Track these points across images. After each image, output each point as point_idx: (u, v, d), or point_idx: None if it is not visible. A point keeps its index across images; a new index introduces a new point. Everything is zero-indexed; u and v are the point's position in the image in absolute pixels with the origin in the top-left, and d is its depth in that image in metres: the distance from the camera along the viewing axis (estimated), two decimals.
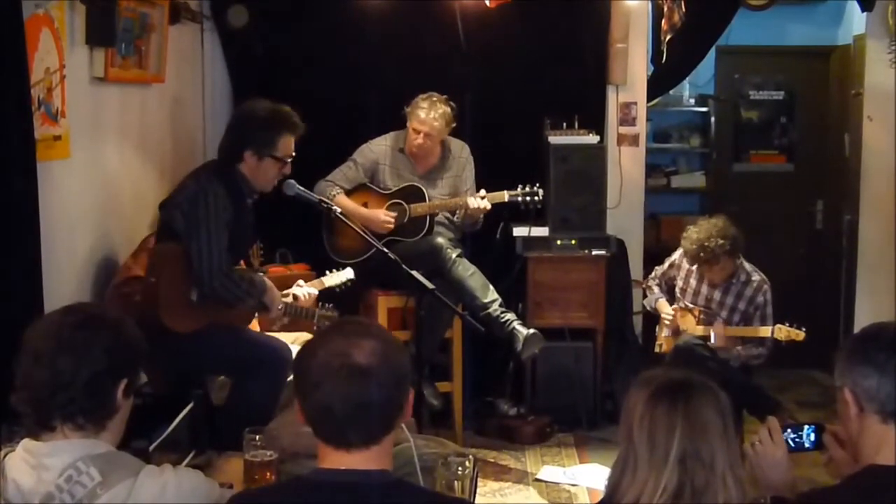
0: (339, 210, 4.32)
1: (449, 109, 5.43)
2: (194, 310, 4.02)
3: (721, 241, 5.05)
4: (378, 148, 5.59)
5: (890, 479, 2.17)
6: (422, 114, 5.38)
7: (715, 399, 2.04)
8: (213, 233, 3.96)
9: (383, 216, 5.43)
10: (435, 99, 5.41)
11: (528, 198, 5.43)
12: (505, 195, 5.43)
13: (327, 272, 4.77)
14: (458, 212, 5.51)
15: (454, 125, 5.51)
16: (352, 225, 4.34)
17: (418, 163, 5.57)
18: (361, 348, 2.02)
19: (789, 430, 2.50)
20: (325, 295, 4.67)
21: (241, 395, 4.05)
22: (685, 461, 1.97)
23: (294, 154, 4.20)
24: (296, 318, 4.42)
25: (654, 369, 2.18)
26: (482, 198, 5.37)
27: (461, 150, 5.66)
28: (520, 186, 5.44)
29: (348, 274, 4.74)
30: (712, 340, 5.12)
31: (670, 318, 5.33)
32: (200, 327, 4.03)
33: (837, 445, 2.47)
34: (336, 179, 5.50)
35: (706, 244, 5.05)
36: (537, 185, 5.46)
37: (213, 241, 3.95)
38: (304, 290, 4.44)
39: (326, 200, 4.37)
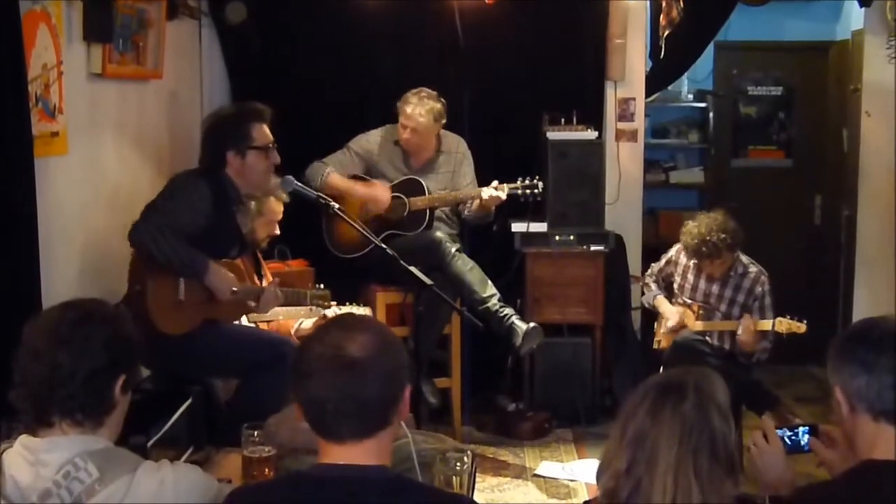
0: (336, 206, 4.31)
1: (439, 105, 5.41)
2: (185, 309, 4.01)
3: (722, 236, 5.05)
4: (373, 139, 5.59)
5: (885, 474, 2.17)
6: (409, 109, 5.38)
7: (690, 406, 1.98)
8: (175, 202, 3.96)
9: (381, 190, 5.42)
10: (424, 95, 5.40)
11: (527, 191, 5.42)
12: (505, 188, 5.40)
13: (347, 304, 4.77)
14: (468, 204, 5.49)
15: (444, 121, 5.49)
16: (350, 221, 4.34)
17: (413, 156, 5.56)
18: (355, 341, 2.02)
19: (785, 430, 2.51)
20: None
21: (250, 393, 4.05)
22: (633, 446, 1.97)
23: (274, 140, 4.19)
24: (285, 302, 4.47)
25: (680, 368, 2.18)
26: (496, 188, 5.35)
27: (457, 146, 5.64)
28: (519, 179, 5.43)
29: (368, 311, 4.77)
30: (739, 334, 5.09)
31: (674, 321, 5.30)
32: (194, 327, 4.02)
33: (824, 449, 2.47)
34: (327, 161, 5.52)
35: (707, 239, 5.05)
36: (536, 177, 5.45)
37: (168, 206, 3.95)
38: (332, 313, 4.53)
39: (324, 197, 4.37)
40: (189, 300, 4.02)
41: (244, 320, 4.47)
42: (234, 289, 4.12)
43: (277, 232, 4.86)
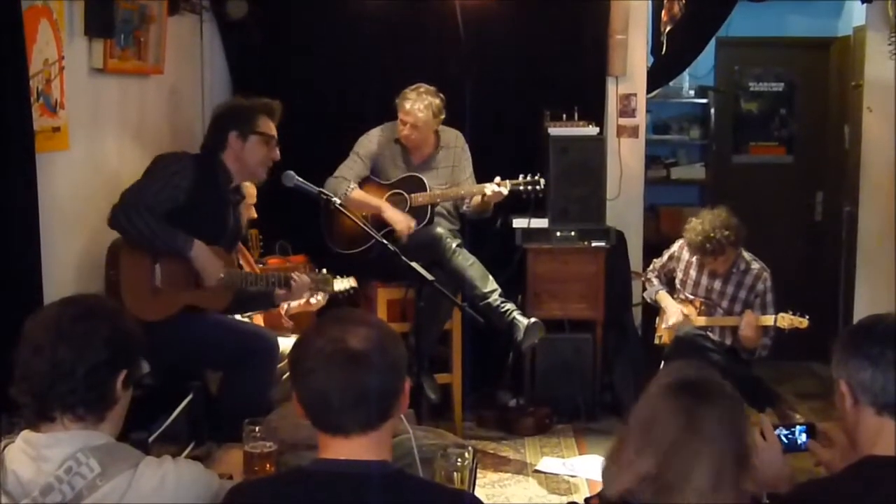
0: (338, 201, 4.31)
1: (437, 101, 5.39)
2: (161, 296, 3.99)
3: (726, 233, 5.06)
4: (374, 139, 5.58)
5: (886, 470, 2.17)
6: (407, 105, 5.36)
7: (729, 409, 2.00)
8: (152, 179, 3.95)
9: (405, 220, 5.33)
10: (422, 90, 5.39)
11: (529, 187, 5.40)
12: (507, 184, 5.38)
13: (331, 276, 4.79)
14: (468, 200, 5.47)
15: (443, 116, 5.46)
16: (351, 217, 4.33)
17: (413, 153, 5.55)
18: (356, 334, 2.03)
19: (782, 429, 2.51)
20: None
21: (232, 386, 4.04)
22: (667, 450, 1.95)
23: (275, 136, 4.21)
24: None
25: (681, 362, 2.17)
26: (498, 184, 5.33)
27: (455, 140, 5.63)
28: (521, 176, 5.41)
29: (351, 282, 4.76)
30: (741, 329, 5.09)
31: (676, 316, 5.30)
32: (172, 314, 3.99)
33: (823, 449, 2.47)
34: (346, 175, 5.46)
35: (711, 235, 5.06)
36: (538, 174, 5.44)
37: (145, 183, 3.94)
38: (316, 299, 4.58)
39: (325, 192, 4.36)
40: (166, 286, 4.00)
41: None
42: (222, 275, 4.08)
43: (255, 215, 4.85)
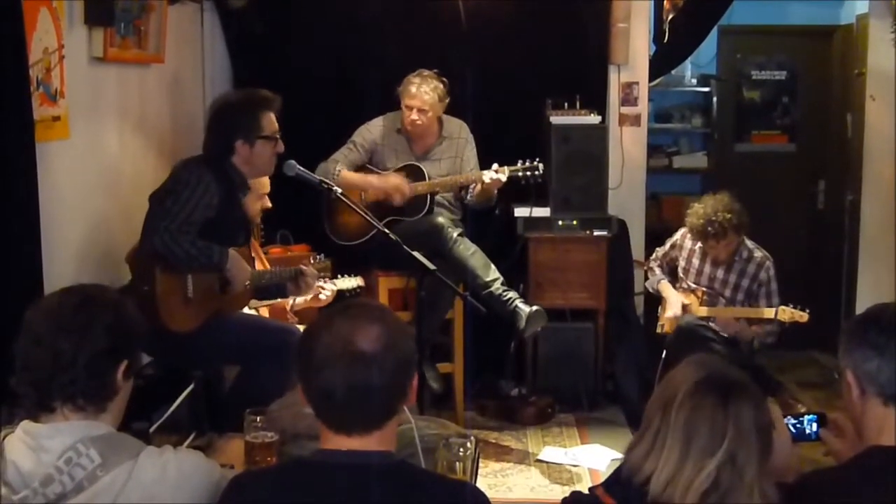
0: (339, 191, 4.29)
1: (441, 84, 5.39)
2: (193, 305, 4.01)
3: (728, 216, 5.06)
4: (375, 129, 5.56)
5: (892, 460, 2.17)
6: (413, 88, 5.35)
7: (761, 407, 2.04)
8: (182, 201, 3.90)
9: (398, 179, 5.38)
10: (426, 74, 5.39)
11: (528, 173, 5.39)
12: (506, 170, 5.37)
13: (339, 276, 4.78)
14: (471, 189, 5.46)
15: (447, 101, 5.46)
16: (352, 206, 4.32)
17: (416, 142, 5.53)
18: (366, 334, 2.00)
19: (790, 418, 2.50)
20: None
21: (252, 380, 4.05)
22: (723, 465, 1.97)
23: (278, 129, 4.19)
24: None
25: (706, 354, 2.19)
26: (496, 171, 5.32)
27: (459, 130, 5.61)
28: (520, 162, 5.40)
29: (359, 281, 4.76)
30: (721, 329, 5.08)
31: (677, 307, 5.30)
32: (203, 322, 4.02)
33: (835, 439, 2.47)
34: (336, 159, 5.47)
35: (714, 218, 5.06)
36: (537, 160, 5.42)
37: (175, 206, 3.90)
38: (327, 290, 4.58)
39: (327, 181, 4.35)
40: (197, 296, 4.02)
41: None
42: (247, 283, 4.14)
43: (269, 205, 4.83)
